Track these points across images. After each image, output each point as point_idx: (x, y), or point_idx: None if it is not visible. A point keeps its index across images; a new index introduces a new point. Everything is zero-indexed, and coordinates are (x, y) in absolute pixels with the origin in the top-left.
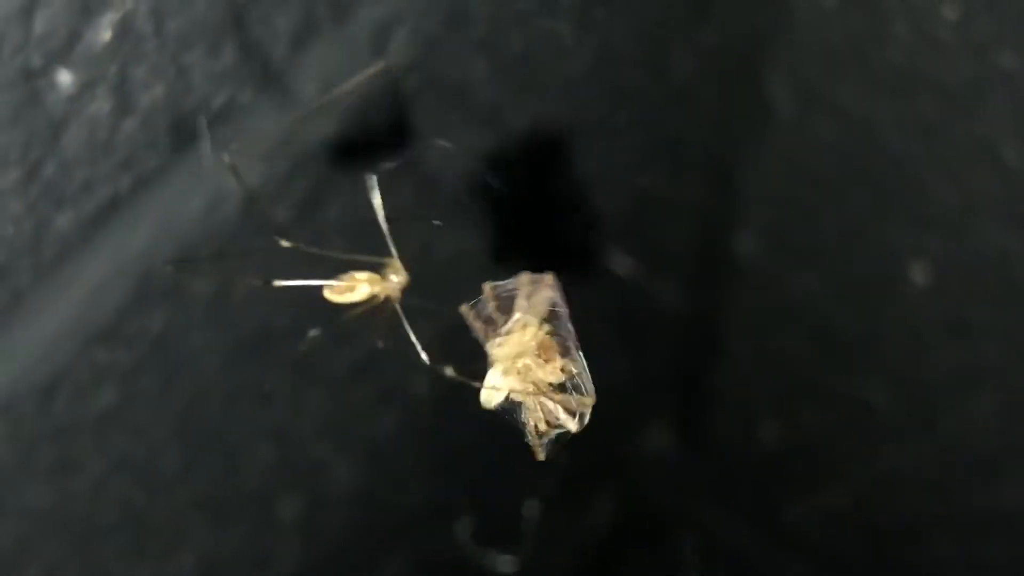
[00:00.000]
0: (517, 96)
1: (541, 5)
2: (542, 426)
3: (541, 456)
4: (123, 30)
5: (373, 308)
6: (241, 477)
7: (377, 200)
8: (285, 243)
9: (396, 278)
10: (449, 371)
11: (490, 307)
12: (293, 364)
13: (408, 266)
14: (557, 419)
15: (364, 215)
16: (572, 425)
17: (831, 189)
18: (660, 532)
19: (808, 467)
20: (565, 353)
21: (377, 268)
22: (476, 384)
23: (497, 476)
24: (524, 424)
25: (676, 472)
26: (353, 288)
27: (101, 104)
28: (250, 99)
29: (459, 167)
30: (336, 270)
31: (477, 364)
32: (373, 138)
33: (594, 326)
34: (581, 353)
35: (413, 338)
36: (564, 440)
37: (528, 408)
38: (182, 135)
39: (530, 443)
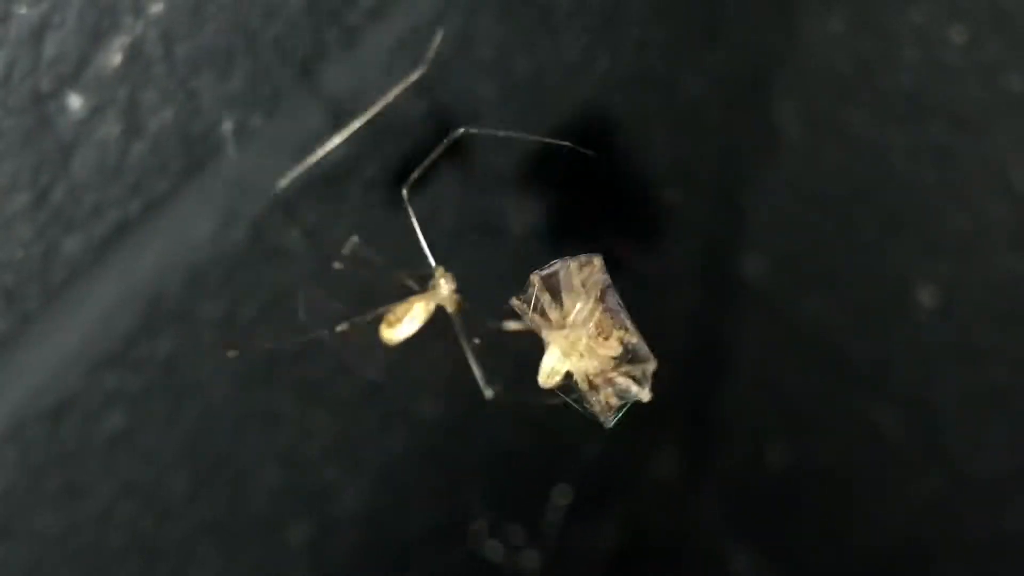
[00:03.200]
0: (525, 119)
1: (549, 29)
2: (613, 400)
3: (611, 423)
4: (133, 54)
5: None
6: (249, 501)
7: (411, 212)
8: (338, 265)
9: (445, 284)
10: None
11: (542, 296)
12: (301, 387)
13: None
14: (627, 390)
15: (378, 235)
16: (644, 394)
17: (839, 213)
18: (668, 556)
19: (816, 491)
20: (619, 325)
21: (422, 283)
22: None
23: (504, 499)
24: (587, 398)
25: (683, 496)
26: (409, 314)
27: (111, 128)
28: (260, 123)
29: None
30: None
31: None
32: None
33: None
34: (634, 324)
35: (470, 354)
36: (631, 406)
37: (596, 385)
38: (192, 159)
39: (597, 414)
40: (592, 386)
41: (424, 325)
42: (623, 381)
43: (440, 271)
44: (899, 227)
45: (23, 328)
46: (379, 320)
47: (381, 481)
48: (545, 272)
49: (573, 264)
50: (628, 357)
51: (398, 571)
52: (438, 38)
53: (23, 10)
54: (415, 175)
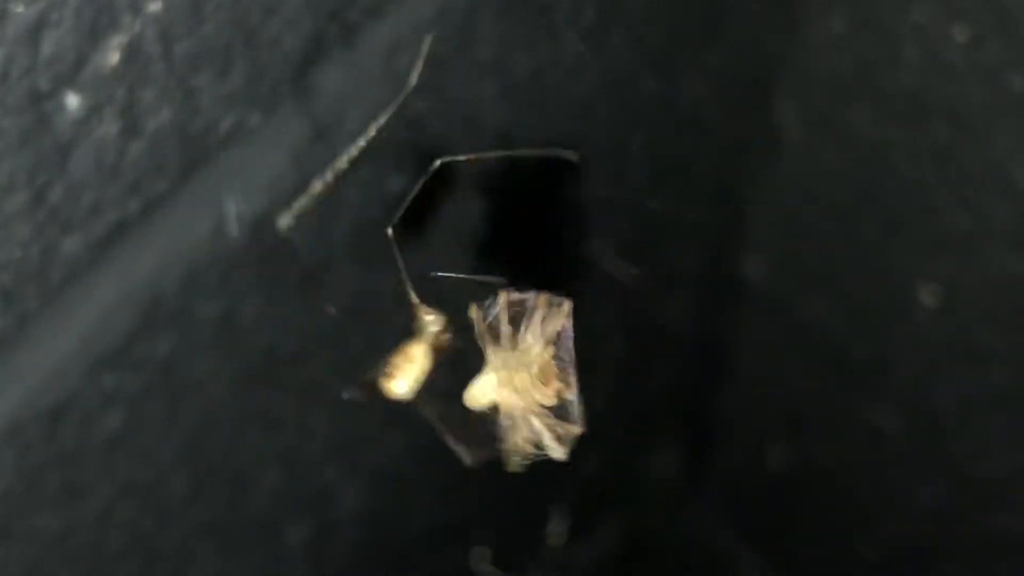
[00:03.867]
0: (525, 118)
1: (548, 28)
2: (525, 445)
3: (512, 468)
4: (131, 53)
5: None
6: (249, 501)
7: (397, 253)
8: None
9: (434, 323)
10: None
11: (502, 317)
12: (300, 388)
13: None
14: (541, 442)
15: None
16: (557, 452)
17: (840, 213)
18: (668, 558)
19: (817, 492)
20: (563, 379)
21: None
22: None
23: (505, 501)
24: (501, 437)
25: (683, 498)
26: (408, 363)
27: (109, 127)
28: (259, 122)
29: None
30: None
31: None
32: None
33: (602, 350)
34: (577, 383)
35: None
36: (536, 460)
37: (515, 424)
38: (190, 158)
39: (504, 454)
40: (513, 424)
41: (431, 369)
42: (543, 432)
43: (423, 309)
44: (900, 227)
45: (21, 328)
46: (379, 376)
47: (381, 482)
48: (513, 296)
49: (542, 299)
50: (559, 412)
51: (398, 573)
52: (425, 49)
53: (20, 9)
54: (399, 213)
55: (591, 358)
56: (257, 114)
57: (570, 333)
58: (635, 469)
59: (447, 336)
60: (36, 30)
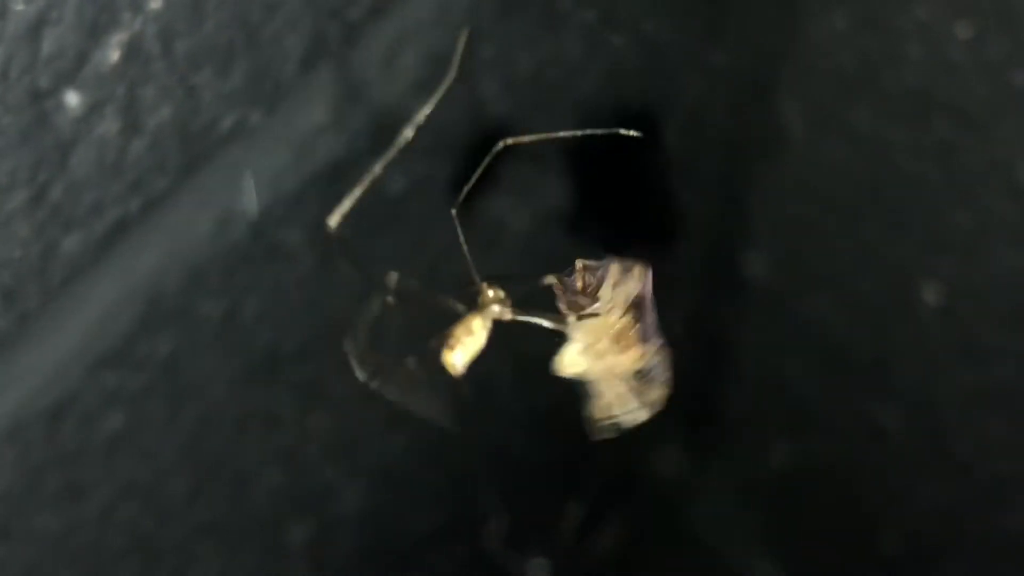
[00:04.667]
0: (527, 115)
1: (551, 25)
2: (614, 409)
3: (602, 435)
4: (132, 51)
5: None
6: (250, 501)
7: (460, 232)
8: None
9: (495, 296)
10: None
11: (578, 284)
12: (301, 387)
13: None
14: (629, 404)
15: (379, 233)
16: (643, 414)
17: (843, 210)
18: (670, 555)
19: (819, 490)
20: (644, 341)
21: (471, 298)
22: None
23: (505, 501)
24: (592, 401)
25: (687, 494)
26: (467, 336)
27: (109, 125)
28: (259, 120)
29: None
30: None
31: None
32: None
33: None
34: (659, 345)
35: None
36: (628, 425)
37: (600, 390)
38: (191, 156)
39: (594, 422)
40: (598, 390)
41: (487, 343)
42: (627, 392)
43: (486, 285)
44: (903, 225)
45: (22, 327)
46: (439, 347)
47: (381, 482)
48: (589, 263)
49: (617, 266)
50: (644, 375)
51: (398, 573)
52: (463, 41)
53: (20, 6)
54: (463, 194)
55: None
56: (258, 112)
57: (649, 296)
58: (637, 467)
59: (508, 312)
60: (36, 28)
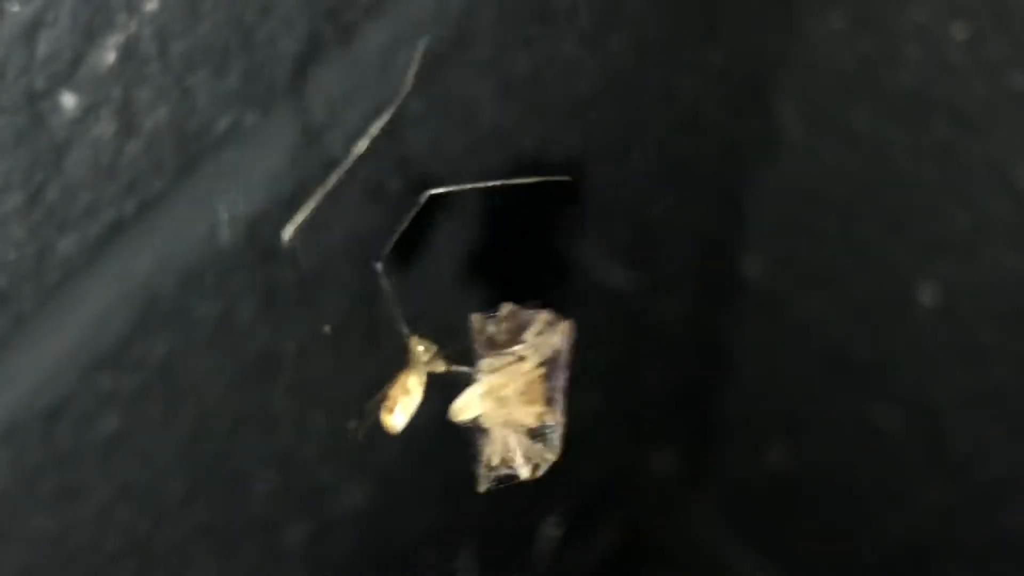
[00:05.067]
0: (524, 118)
1: (547, 26)
2: (495, 460)
3: (482, 488)
4: (127, 52)
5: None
6: (246, 503)
7: (386, 286)
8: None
9: (424, 351)
10: None
11: (501, 326)
12: (298, 389)
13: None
14: (512, 460)
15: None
16: (524, 472)
17: (840, 212)
18: (667, 557)
19: (815, 491)
20: (549, 402)
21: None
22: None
23: (503, 501)
24: (477, 450)
25: (683, 496)
26: (403, 395)
27: (105, 127)
28: (255, 122)
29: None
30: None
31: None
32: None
33: (601, 349)
34: (563, 409)
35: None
36: (507, 483)
37: (491, 437)
38: (187, 158)
39: (476, 471)
40: (489, 438)
41: (423, 399)
42: (515, 447)
43: (414, 340)
44: (900, 226)
45: (17, 329)
46: (377, 409)
47: (379, 483)
48: (515, 308)
49: (542, 316)
50: (538, 435)
51: (396, 574)
52: (420, 52)
53: (16, 8)
54: (387, 248)
55: (591, 358)
56: (254, 114)
57: (566, 356)
58: (634, 468)
59: (439, 363)
60: (32, 29)
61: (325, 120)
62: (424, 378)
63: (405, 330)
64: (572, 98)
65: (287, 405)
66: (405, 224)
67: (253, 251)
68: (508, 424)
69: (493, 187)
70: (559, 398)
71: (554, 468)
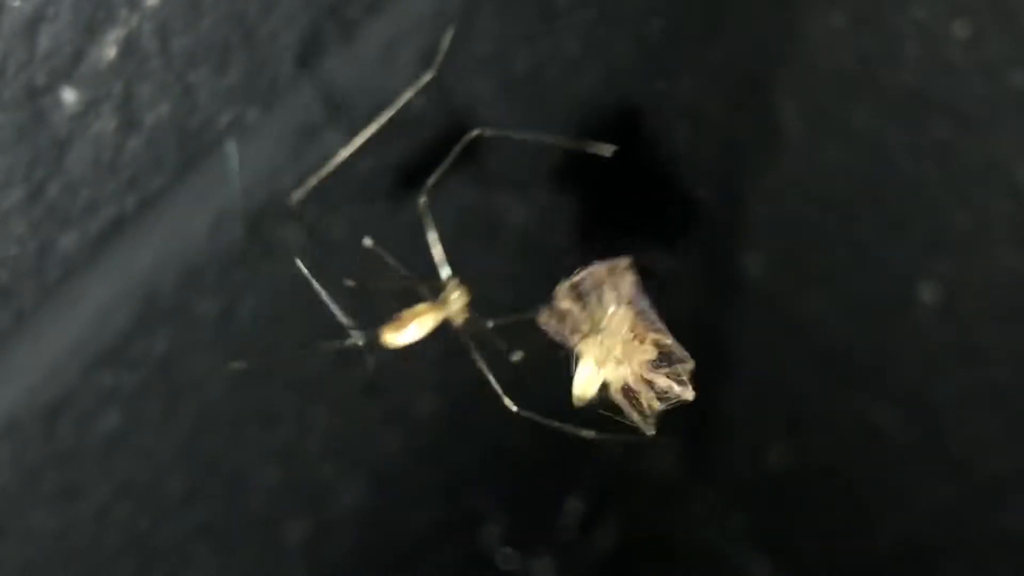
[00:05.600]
0: (524, 114)
1: (548, 23)
2: (655, 404)
3: (653, 431)
4: (128, 48)
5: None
6: (246, 500)
7: (429, 220)
8: (368, 242)
9: (458, 297)
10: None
11: (572, 306)
12: (298, 385)
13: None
14: (669, 391)
15: (377, 233)
16: (688, 392)
17: (840, 210)
18: (667, 556)
19: (816, 489)
20: (653, 328)
21: (432, 291)
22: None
23: (503, 499)
24: (625, 408)
25: (683, 495)
26: (415, 321)
27: (106, 123)
28: (257, 118)
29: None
30: (386, 303)
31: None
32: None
33: None
34: (664, 323)
35: (485, 369)
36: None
37: (635, 391)
38: (188, 154)
39: (639, 423)
40: (629, 394)
41: (429, 334)
42: (663, 382)
43: (454, 284)
44: (901, 224)
45: (17, 326)
46: (384, 321)
47: (379, 480)
48: (573, 280)
49: (602, 268)
50: (664, 360)
51: (396, 571)
52: (448, 38)
53: (17, 3)
54: (431, 180)
55: None
56: (256, 109)
57: (639, 284)
58: (634, 467)
59: (463, 313)
60: (33, 25)
61: (327, 116)
62: (441, 318)
63: (447, 269)
64: (572, 96)
65: (288, 401)
66: (450, 160)
67: (254, 247)
68: (640, 370)
69: (541, 139)
70: (655, 318)
71: (558, 469)
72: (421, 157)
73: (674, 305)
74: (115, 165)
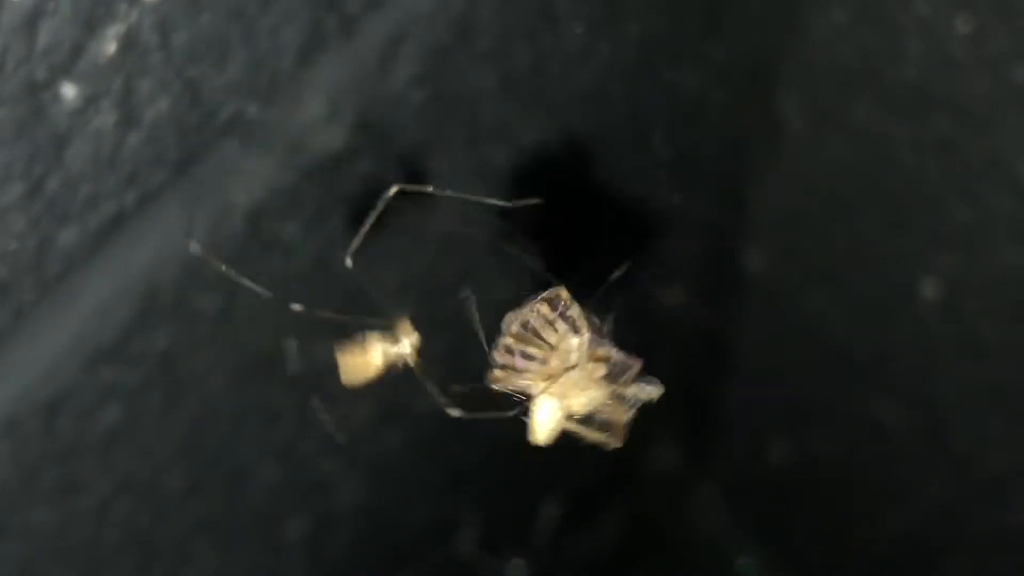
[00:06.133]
0: (525, 111)
1: (549, 19)
2: (626, 416)
3: (621, 443)
4: (128, 42)
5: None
6: (247, 496)
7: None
8: (296, 307)
9: (407, 340)
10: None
11: (520, 347)
12: (299, 382)
13: (417, 323)
14: (637, 395)
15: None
16: (654, 391)
17: (842, 206)
18: (667, 550)
19: (817, 486)
20: (601, 345)
21: (387, 331)
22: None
23: (502, 493)
24: (600, 430)
25: (683, 490)
26: (368, 362)
27: (106, 118)
28: (256, 113)
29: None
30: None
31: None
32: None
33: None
34: (604, 333)
35: (434, 391)
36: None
37: (606, 409)
38: (188, 150)
39: (602, 440)
40: (604, 411)
41: (384, 370)
42: (628, 392)
43: (403, 324)
44: (903, 221)
45: (17, 322)
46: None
47: (379, 477)
48: (515, 328)
49: (543, 305)
50: (616, 371)
51: (396, 567)
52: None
53: None
54: (355, 243)
55: None
56: (255, 105)
57: (574, 306)
58: (635, 462)
59: (416, 355)
60: (33, 19)
61: (327, 112)
62: (392, 355)
63: (398, 309)
64: (574, 92)
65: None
66: (370, 221)
67: (254, 243)
68: (603, 390)
69: (460, 196)
70: (597, 336)
71: (556, 464)
72: (414, 168)
73: (674, 299)
74: (115, 160)
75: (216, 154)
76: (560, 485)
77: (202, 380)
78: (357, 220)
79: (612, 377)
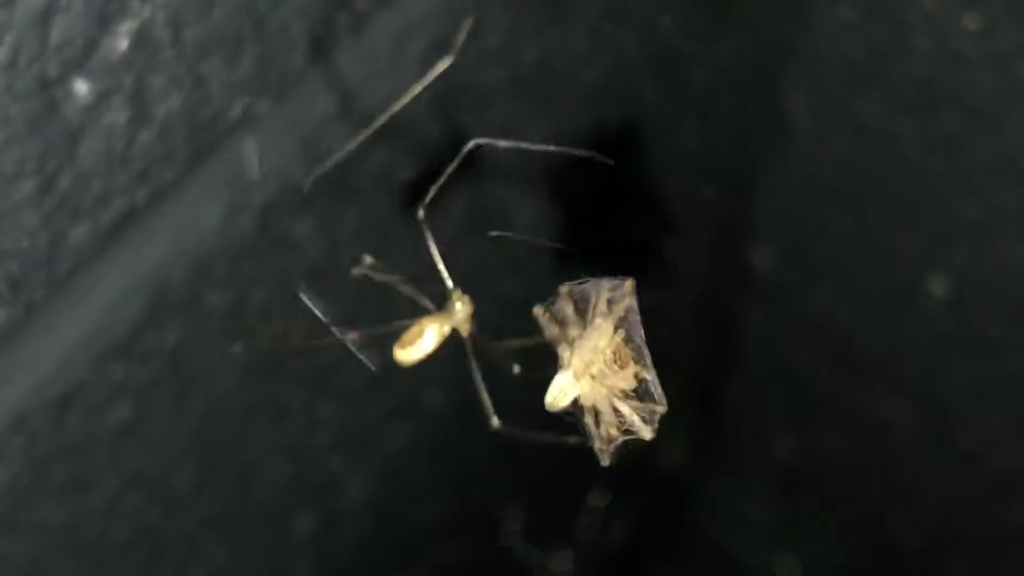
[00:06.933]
0: (534, 107)
1: (557, 16)
2: (614, 432)
3: (607, 462)
4: (140, 39)
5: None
6: (255, 493)
7: (428, 234)
8: (357, 271)
9: (462, 307)
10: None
11: (566, 309)
12: (308, 379)
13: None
14: (632, 425)
15: (387, 225)
16: (647, 432)
17: (850, 202)
18: (676, 548)
19: (825, 483)
20: (638, 360)
21: (437, 302)
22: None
23: (510, 491)
24: (589, 428)
25: (692, 488)
26: (422, 336)
27: (118, 114)
28: (268, 109)
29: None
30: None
31: (539, 370)
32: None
33: None
34: (651, 361)
35: (479, 382)
36: (629, 446)
37: (600, 413)
38: (200, 146)
39: (595, 448)
40: (596, 415)
41: (439, 347)
42: (629, 415)
43: (457, 294)
44: (910, 217)
45: (29, 318)
46: (393, 338)
47: (388, 473)
48: (574, 286)
49: (604, 284)
50: (639, 393)
51: (404, 564)
52: (466, 27)
53: None
54: (429, 196)
55: None
56: (267, 101)
57: (636, 312)
58: (641, 457)
59: (468, 325)
60: (45, 16)
61: (337, 108)
62: (448, 330)
63: (449, 281)
64: (582, 89)
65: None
66: (448, 172)
67: (264, 240)
68: (611, 394)
69: (540, 148)
70: (645, 352)
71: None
72: (423, 164)
73: (681, 295)
74: (127, 157)
75: (227, 151)
76: (568, 483)
77: (211, 377)
78: (366, 217)
79: (631, 395)
